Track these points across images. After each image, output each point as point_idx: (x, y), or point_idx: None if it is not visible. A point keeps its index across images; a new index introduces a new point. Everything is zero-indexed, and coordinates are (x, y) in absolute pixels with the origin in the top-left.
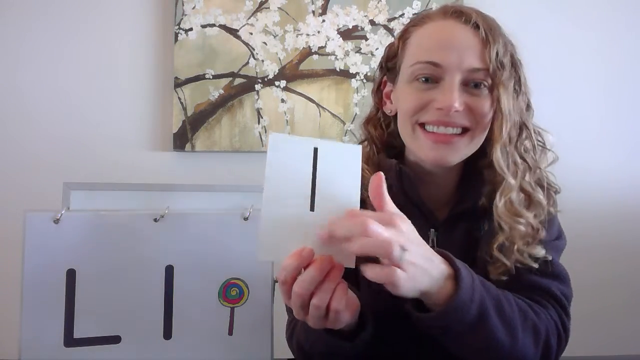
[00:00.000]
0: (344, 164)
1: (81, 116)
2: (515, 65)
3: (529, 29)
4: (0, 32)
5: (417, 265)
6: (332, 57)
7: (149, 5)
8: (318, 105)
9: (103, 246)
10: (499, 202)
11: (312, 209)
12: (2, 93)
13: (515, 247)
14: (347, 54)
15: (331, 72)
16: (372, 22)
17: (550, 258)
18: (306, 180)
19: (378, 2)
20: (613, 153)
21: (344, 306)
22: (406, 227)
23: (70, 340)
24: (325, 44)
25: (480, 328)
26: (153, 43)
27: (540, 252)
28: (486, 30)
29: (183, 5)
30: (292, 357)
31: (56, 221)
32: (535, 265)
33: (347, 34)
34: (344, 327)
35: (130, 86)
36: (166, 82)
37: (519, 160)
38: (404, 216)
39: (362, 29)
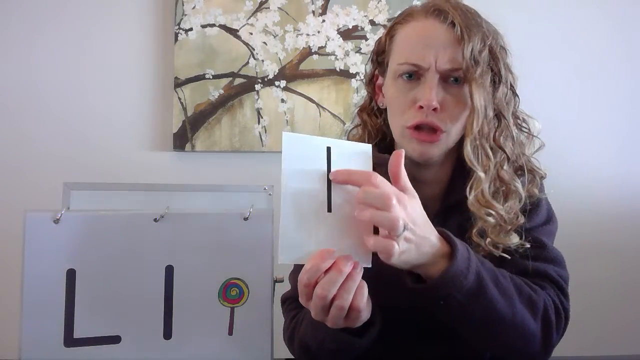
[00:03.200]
0: (356, 163)
1: (81, 116)
2: (494, 57)
3: (529, 29)
4: (1, 33)
5: (411, 241)
6: (332, 57)
7: (149, 5)
8: (318, 105)
9: (103, 246)
10: (470, 195)
11: (329, 209)
12: (2, 93)
13: (488, 240)
14: (347, 54)
15: (331, 72)
16: (372, 22)
17: (528, 245)
18: (322, 180)
19: (378, 2)
20: (606, 151)
21: (365, 304)
22: (412, 206)
23: (70, 340)
24: (325, 44)
25: (479, 296)
26: (153, 43)
27: (513, 240)
28: (462, 27)
29: (183, 5)
30: (292, 357)
31: (56, 221)
32: (507, 256)
33: (347, 34)
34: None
35: (130, 86)
36: (166, 82)
37: (490, 153)
38: (414, 193)
39: (362, 29)
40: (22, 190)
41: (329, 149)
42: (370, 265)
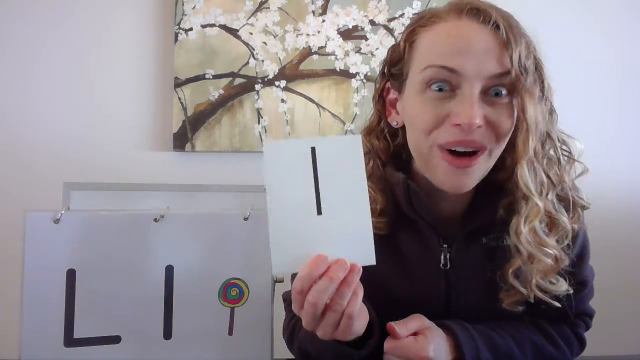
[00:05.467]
0: (345, 158)
1: (81, 116)
2: (539, 67)
3: (543, 27)
4: (1, 30)
5: None
6: (332, 57)
7: (149, 5)
8: (318, 105)
9: (103, 246)
10: (523, 228)
11: (319, 212)
12: (2, 93)
13: (534, 281)
14: (347, 54)
15: (331, 72)
16: (372, 22)
17: (571, 291)
18: (308, 183)
19: (378, 2)
20: (624, 156)
21: (358, 312)
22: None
23: (70, 340)
24: (325, 44)
25: None
26: (153, 43)
27: (562, 287)
28: (507, 30)
29: (183, 5)
30: (292, 357)
31: (56, 221)
32: (557, 304)
33: (347, 34)
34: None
35: (130, 86)
36: (166, 82)
37: (545, 178)
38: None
39: (362, 29)
40: (22, 190)
41: (313, 149)
42: (374, 262)
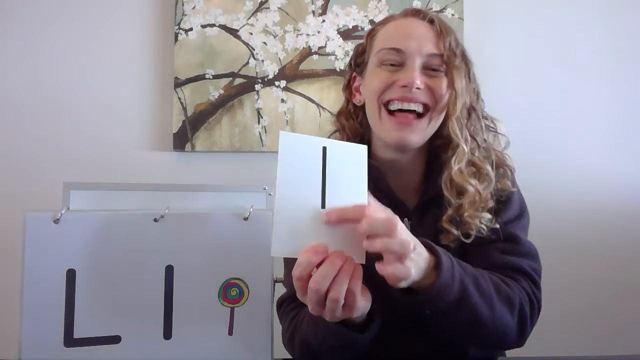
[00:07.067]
0: (351, 163)
1: (81, 116)
2: (465, 59)
3: (525, 32)
4: (1, 31)
5: (413, 260)
6: (332, 57)
7: (149, 5)
8: (318, 105)
9: (103, 246)
10: (455, 167)
11: (323, 206)
12: (2, 93)
13: (467, 214)
14: (347, 54)
15: (331, 72)
16: (372, 22)
17: (497, 226)
18: (316, 178)
19: (378, 2)
20: (599, 152)
21: (360, 290)
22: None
23: (70, 340)
24: (325, 44)
25: (463, 304)
26: (153, 43)
27: (486, 216)
28: (440, 25)
29: (183, 5)
30: (292, 358)
31: (56, 221)
32: (485, 227)
33: (347, 34)
34: (355, 319)
35: (130, 86)
36: (166, 82)
37: (469, 137)
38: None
39: (362, 29)
40: (22, 190)
41: (324, 148)
42: (364, 262)
